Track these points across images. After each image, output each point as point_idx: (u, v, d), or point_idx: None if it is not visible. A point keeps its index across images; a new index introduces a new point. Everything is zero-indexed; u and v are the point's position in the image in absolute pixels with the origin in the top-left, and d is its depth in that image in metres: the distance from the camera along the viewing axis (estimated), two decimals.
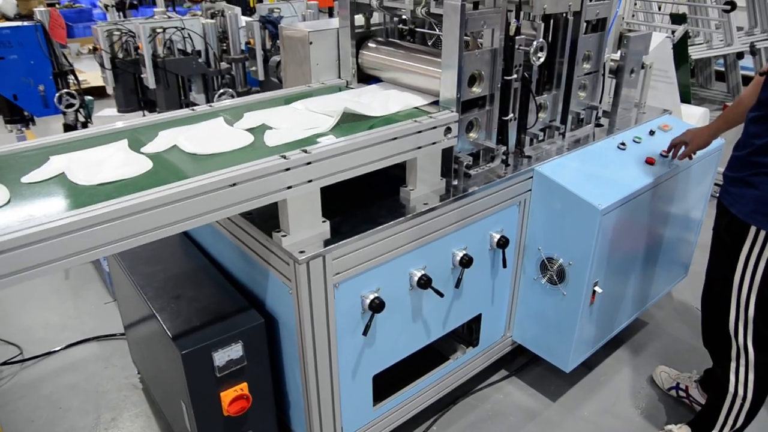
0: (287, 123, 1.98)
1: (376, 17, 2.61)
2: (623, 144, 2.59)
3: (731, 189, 2.02)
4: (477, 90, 2.13)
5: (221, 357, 1.84)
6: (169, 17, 5.17)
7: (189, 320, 1.89)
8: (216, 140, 1.83)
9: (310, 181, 1.73)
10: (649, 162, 2.52)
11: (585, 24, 2.50)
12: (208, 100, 5.12)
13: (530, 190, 2.36)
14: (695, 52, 5.61)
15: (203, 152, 1.74)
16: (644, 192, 2.41)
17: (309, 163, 1.71)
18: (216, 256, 2.28)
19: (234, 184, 1.56)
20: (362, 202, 2.04)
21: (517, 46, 2.16)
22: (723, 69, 7.40)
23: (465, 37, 2.04)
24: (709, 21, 5.86)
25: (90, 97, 4.78)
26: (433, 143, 2.02)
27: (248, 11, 6.94)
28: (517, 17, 2.18)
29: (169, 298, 2.03)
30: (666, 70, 3.54)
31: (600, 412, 2.69)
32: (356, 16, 2.51)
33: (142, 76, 4.86)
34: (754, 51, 6.04)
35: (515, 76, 2.21)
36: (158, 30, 4.73)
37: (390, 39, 2.58)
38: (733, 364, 2.20)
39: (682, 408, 2.70)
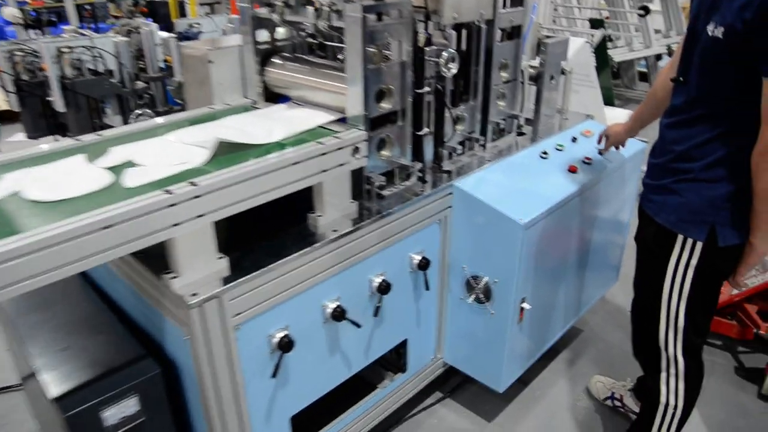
0: (155, 159, 1.76)
1: (283, 32, 2.47)
2: (545, 153, 2.52)
3: (654, 197, 1.96)
4: (386, 105, 2.02)
5: (114, 414, 1.65)
6: (83, 35, 4.89)
7: (75, 376, 1.69)
8: (67, 183, 1.60)
9: (200, 215, 1.57)
10: (572, 170, 2.46)
11: (500, 32, 2.43)
12: (126, 122, 4.85)
13: (451, 206, 2.26)
14: (617, 55, 5.71)
15: (49, 198, 1.51)
16: (568, 202, 2.35)
17: (197, 197, 1.54)
18: (115, 299, 2.08)
19: (108, 227, 1.38)
20: (268, 232, 1.89)
21: (427, 58, 2.06)
22: (645, 70, 7.61)
23: (371, 50, 1.93)
24: (629, 25, 5.98)
25: None
26: (340, 165, 1.89)
27: (169, 27, 6.66)
28: (426, 28, 2.09)
29: (56, 351, 1.82)
30: (587, 74, 3.53)
31: (537, 428, 2.61)
32: (262, 32, 2.36)
33: (49, 99, 4.55)
34: (671, 52, 6.20)
35: (427, 89, 2.10)
36: (64, 49, 4.45)
37: (297, 54, 2.44)
38: (663, 375, 2.14)
39: (619, 417, 2.66)
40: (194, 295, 1.57)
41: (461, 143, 2.44)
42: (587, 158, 2.55)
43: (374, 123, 2.02)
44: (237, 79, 2.41)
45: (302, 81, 2.22)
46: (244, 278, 1.66)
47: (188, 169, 1.68)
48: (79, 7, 10.20)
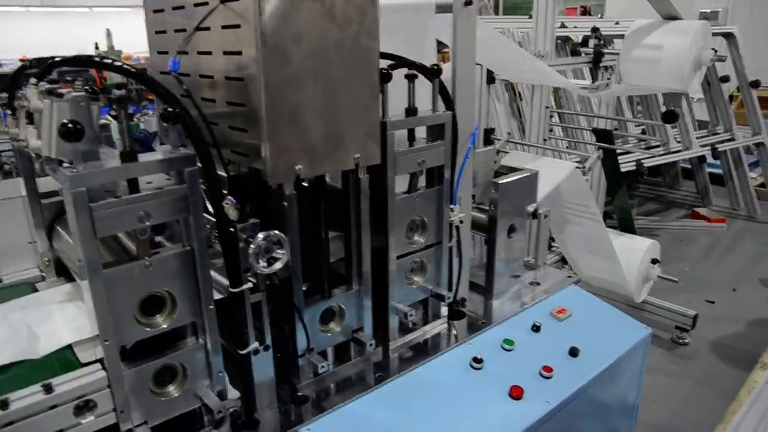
0: None
1: None
2: (479, 360, 1.63)
3: None
4: (164, 320, 1.21)
5: None
6: None
7: None
8: None
9: None
10: (515, 395, 1.56)
11: (408, 178, 1.63)
12: None
13: None
14: (649, 160, 4.80)
15: None
16: None
17: None
18: None
19: None
20: None
21: (246, 239, 1.27)
22: (689, 166, 6.63)
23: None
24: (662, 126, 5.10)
25: None
26: None
27: None
28: (241, 193, 1.31)
29: None
30: (586, 206, 2.68)
31: None
32: None
33: None
34: (716, 154, 5.24)
35: (249, 284, 1.29)
36: None
37: None
38: None
39: None
40: None
41: (343, 346, 1.60)
42: (546, 368, 1.65)
43: (148, 346, 1.21)
44: (26, 241, 1.68)
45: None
46: None
47: None
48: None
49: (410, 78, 1.58)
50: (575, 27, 4.80)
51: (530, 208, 2.04)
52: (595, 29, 3.70)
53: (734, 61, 5.51)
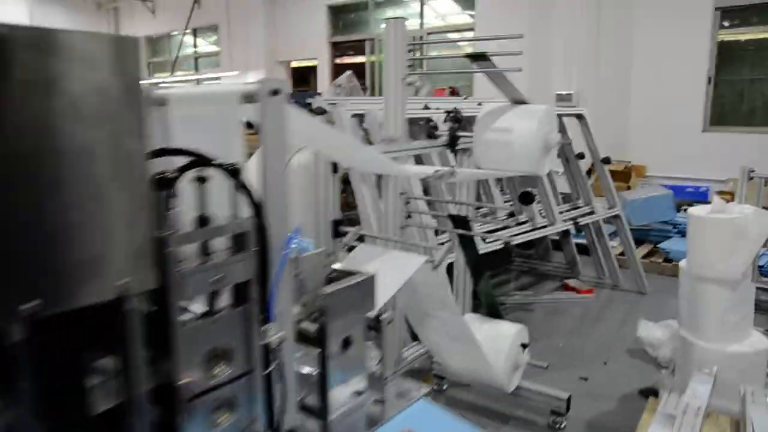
0: None
1: None
2: None
3: None
4: None
5: None
6: None
7: None
8: None
9: None
10: None
11: (209, 299, 1.36)
12: None
13: None
14: (519, 237, 4.85)
15: None
16: None
17: None
18: None
19: None
20: None
21: None
22: (557, 237, 6.84)
23: None
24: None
25: None
26: None
27: None
28: None
29: None
30: (442, 299, 2.52)
31: None
32: None
33: None
34: (579, 227, 5.40)
35: None
36: None
37: None
38: None
39: None
40: None
41: None
42: None
43: None
44: None
45: None
46: None
47: None
48: None
49: (200, 180, 1.34)
50: (437, 109, 4.86)
51: (370, 315, 1.83)
52: (451, 111, 3.69)
53: (586, 139, 5.82)
